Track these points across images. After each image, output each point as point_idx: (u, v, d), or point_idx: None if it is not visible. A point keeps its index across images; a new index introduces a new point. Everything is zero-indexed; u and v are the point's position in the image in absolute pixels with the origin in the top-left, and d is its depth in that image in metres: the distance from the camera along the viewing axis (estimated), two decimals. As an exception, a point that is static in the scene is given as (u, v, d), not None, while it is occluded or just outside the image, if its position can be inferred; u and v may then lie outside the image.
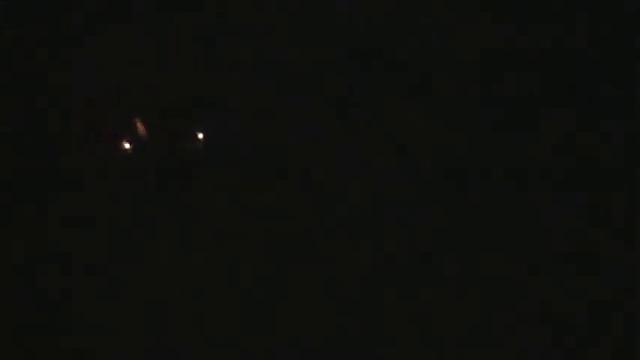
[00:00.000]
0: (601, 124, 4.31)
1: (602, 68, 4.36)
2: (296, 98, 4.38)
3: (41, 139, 4.36)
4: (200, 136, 4.36)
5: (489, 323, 4.13)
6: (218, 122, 4.39)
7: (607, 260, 4.18)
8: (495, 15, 4.41)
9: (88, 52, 4.40)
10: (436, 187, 4.29)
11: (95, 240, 4.27)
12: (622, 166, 4.28)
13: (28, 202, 4.30)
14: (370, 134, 4.35)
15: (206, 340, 4.14)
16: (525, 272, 4.17)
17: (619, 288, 4.15)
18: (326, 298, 4.18)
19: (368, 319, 4.16)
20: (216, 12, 4.44)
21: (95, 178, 4.33)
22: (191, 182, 4.34)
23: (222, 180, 4.33)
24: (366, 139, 4.35)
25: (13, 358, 4.14)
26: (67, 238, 4.26)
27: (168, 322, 4.17)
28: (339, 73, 4.39)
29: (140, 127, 4.29)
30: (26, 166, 4.33)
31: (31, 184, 4.31)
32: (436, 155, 4.32)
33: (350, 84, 4.39)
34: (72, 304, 4.21)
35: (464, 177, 4.30)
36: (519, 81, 4.38)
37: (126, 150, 4.31)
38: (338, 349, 4.13)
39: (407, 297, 4.17)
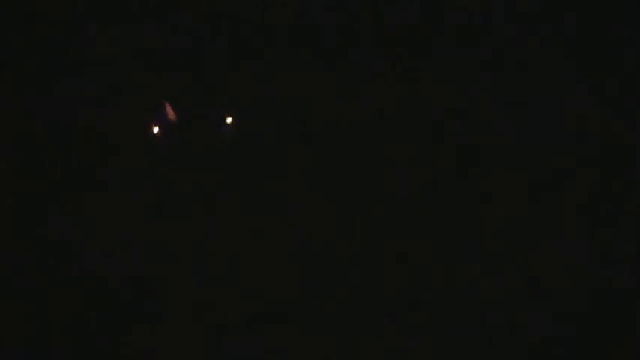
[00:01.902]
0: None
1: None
2: (296, 96, 4.39)
3: (45, 137, 4.38)
4: (229, 120, 4.31)
5: (489, 323, 4.14)
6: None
7: (608, 259, 4.19)
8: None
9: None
10: (436, 187, 4.30)
11: (98, 232, 4.29)
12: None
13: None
14: (370, 134, 4.36)
15: (206, 340, 4.15)
16: (525, 272, 4.18)
17: (620, 287, 4.16)
18: (326, 298, 4.18)
19: (368, 319, 4.16)
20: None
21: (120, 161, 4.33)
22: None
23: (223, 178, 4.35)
24: (366, 138, 4.36)
25: (13, 357, 4.16)
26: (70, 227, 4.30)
27: (168, 322, 4.18)
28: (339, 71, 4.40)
29: (169, 111, 4.27)
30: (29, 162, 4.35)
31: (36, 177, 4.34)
32: (436, 155, 4.33)
33: (350, 84, 4.40)
34: (74, 302, 4.22)
35: (464, 177, 4.30)
36: (520, 79, 4.38)
37: (155, 134, 4.27)
38: (339, 349, 4.14)
39: (407, 297, 4.18)
